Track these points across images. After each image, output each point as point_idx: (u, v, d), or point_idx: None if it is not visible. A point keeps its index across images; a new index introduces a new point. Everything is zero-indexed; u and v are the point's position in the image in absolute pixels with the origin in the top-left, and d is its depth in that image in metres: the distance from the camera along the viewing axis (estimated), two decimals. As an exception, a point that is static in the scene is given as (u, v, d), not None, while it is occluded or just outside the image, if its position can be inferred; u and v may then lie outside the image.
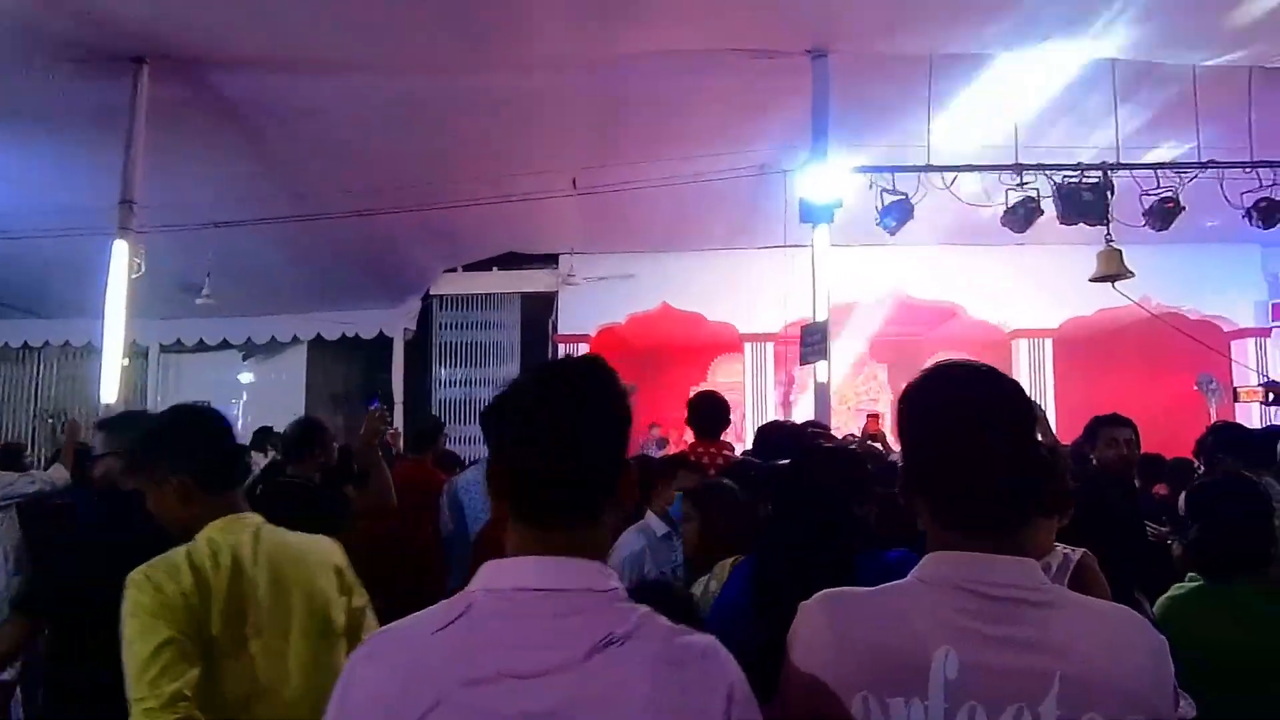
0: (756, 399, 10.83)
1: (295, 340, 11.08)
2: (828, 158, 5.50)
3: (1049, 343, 10.38)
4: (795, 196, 5.81)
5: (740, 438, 10.94)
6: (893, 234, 5.72)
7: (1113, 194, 5.72)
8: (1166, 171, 5.83)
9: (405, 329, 11.11)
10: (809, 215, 5.58)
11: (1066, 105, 5.88)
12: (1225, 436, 3.17)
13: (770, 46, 5.65)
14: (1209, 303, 10.18)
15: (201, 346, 11.11)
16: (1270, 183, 5.89)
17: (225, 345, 11.11)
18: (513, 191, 8.33)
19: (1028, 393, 1.08)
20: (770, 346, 10.92)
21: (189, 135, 6.43)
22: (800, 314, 11.08)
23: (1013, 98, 5.62)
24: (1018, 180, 5.69)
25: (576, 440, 0.92)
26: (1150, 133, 5.85)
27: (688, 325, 11.07)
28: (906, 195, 5.58)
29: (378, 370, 11.09)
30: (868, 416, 6.05)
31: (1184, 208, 5.82)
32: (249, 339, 11.07)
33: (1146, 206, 5.86)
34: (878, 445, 4.71)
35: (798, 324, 11.35)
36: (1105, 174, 5.70)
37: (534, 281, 10.90)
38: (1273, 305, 9.88)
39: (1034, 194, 5.70)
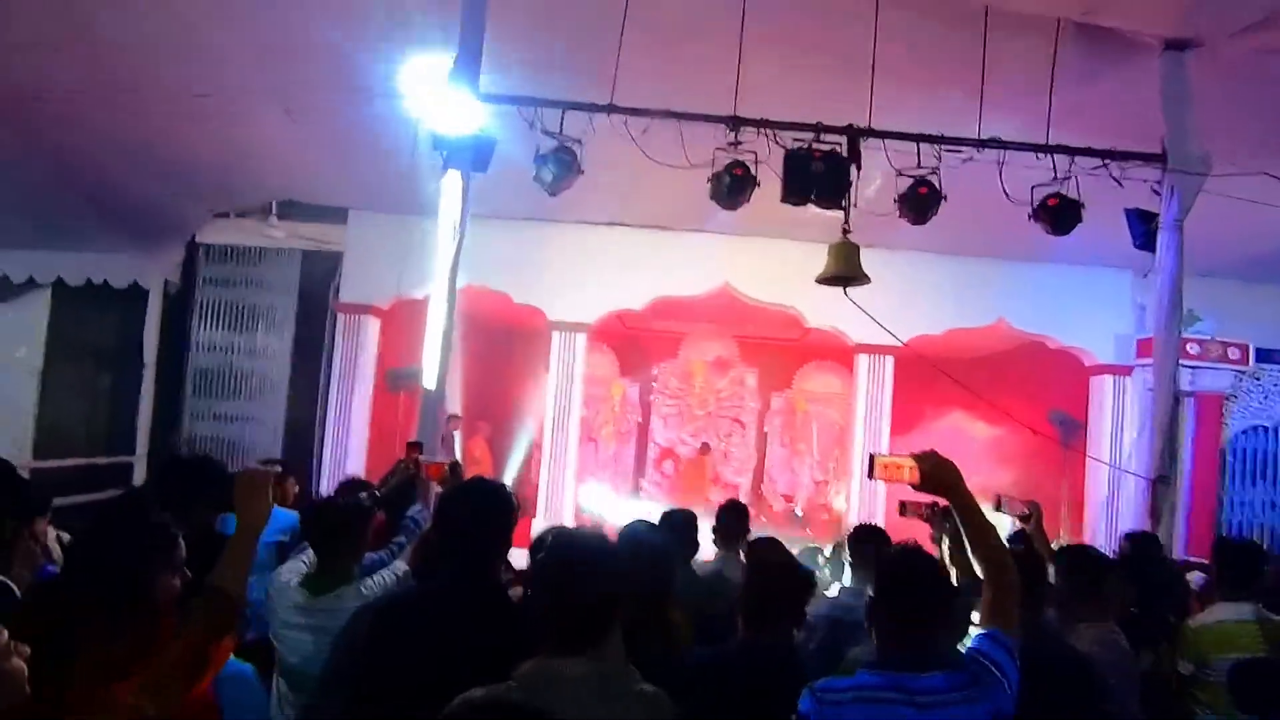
0: (560, 400, 9.37)
1: (32, 283, 9.41)
2: (480, 85, 4.08)
3: (890, 360, 9.12)
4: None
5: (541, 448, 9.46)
6: (551, 191, 4.30)
7: (859, 169, 4.36)
8: (931, 149, 4.47)
9: (166, 280, 9.54)
10: (453, 158, 4.15)
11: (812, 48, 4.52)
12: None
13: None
14: (1071, 333, 8.99)
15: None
16: (1065, 175, 4.57)
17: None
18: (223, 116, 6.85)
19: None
20: (582, 338, 9.50)
21: None
22: (623, 302, 9.71)
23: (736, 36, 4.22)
24: (732, 139, 4.31)
25: None
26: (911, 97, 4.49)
27: (495, 306, 9.54)
28: (572, 141, 4.16)
29: (131, 326, 9.51)
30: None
31: (944, 197, 4.48)
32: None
33: (899, 191, 4.50)
34: None
35: (617, 313, 10.02)
36: (851, 141, 4.34)
37: (319, 237, 9.35)
38: (1137, 341, 8.66)
39: (751, 158, 4.30)
